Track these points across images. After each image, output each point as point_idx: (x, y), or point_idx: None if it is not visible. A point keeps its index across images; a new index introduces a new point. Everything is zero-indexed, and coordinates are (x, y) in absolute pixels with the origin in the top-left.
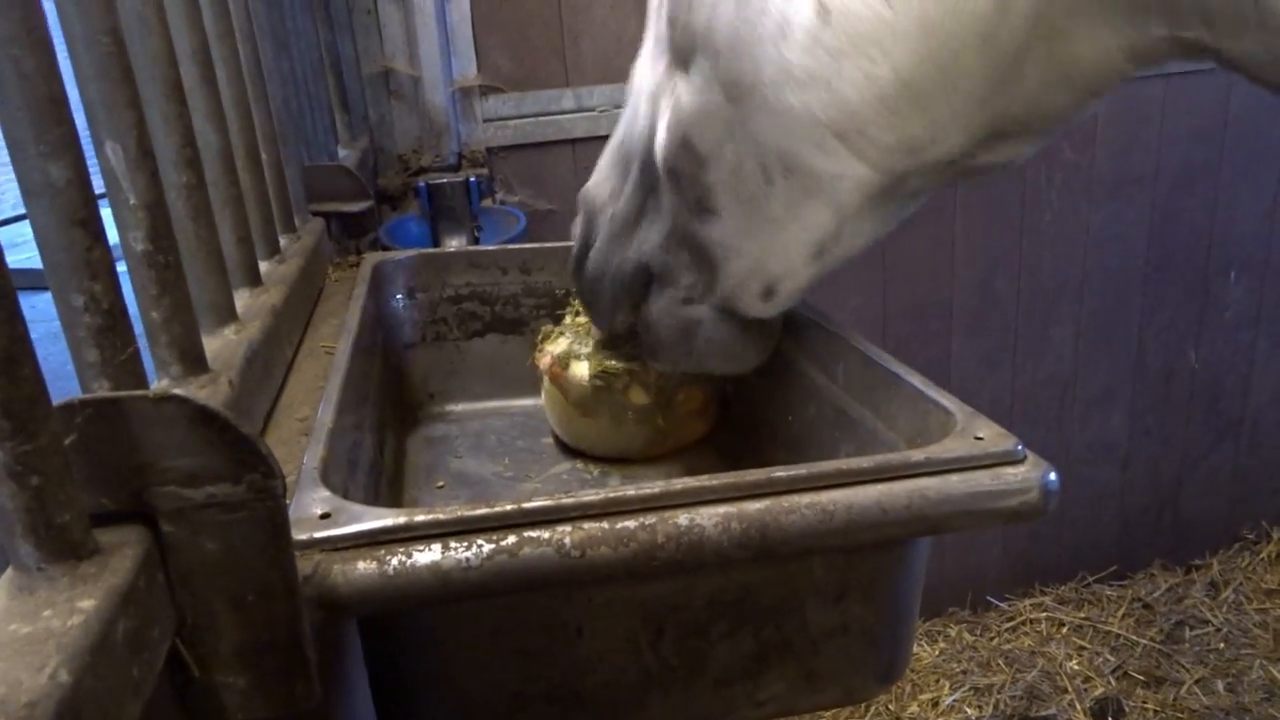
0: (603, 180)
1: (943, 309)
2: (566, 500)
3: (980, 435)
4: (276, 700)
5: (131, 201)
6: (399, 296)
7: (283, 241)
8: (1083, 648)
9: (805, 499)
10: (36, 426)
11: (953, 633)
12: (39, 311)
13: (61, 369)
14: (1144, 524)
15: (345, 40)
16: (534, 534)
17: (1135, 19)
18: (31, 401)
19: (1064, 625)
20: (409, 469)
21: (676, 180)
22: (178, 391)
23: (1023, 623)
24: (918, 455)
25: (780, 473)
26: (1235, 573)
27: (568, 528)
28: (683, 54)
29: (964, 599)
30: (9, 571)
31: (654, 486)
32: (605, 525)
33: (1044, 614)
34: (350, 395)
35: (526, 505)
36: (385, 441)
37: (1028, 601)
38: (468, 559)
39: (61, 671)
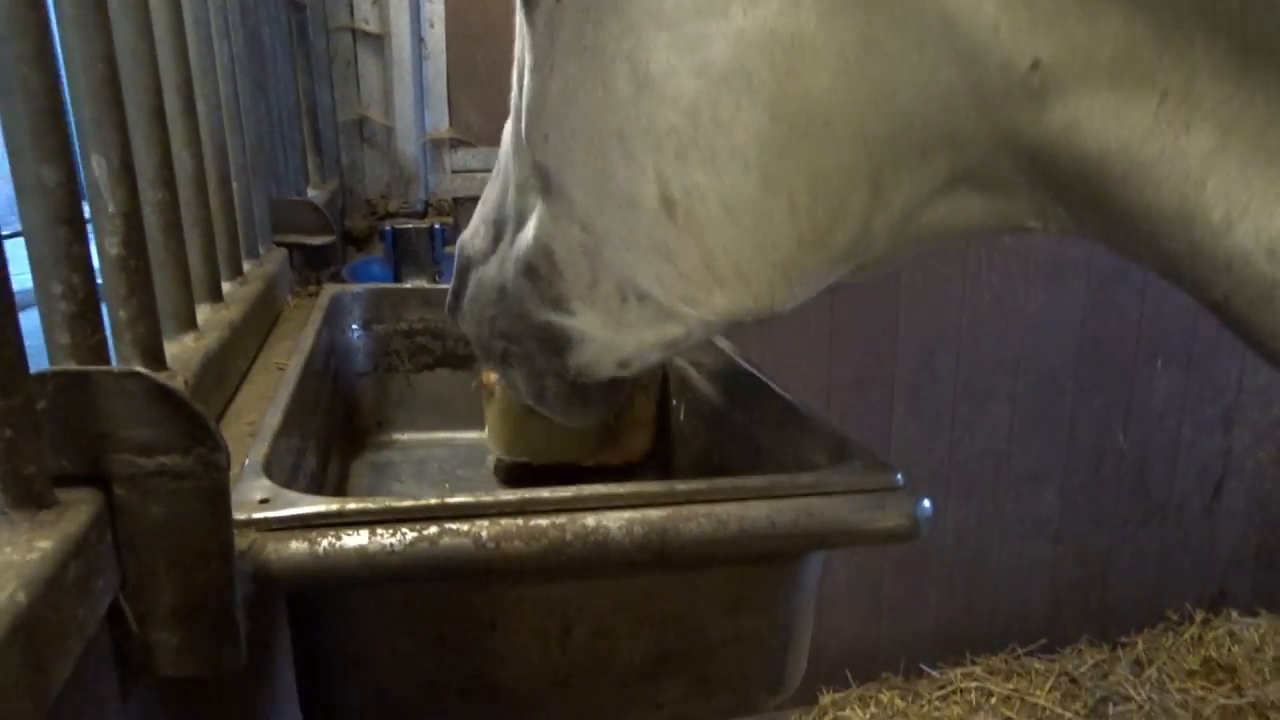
0: (475, 236)
1: (885, 381)
2: (486, 498)
3: (865, 465)
4: (204, 660)
5: (110, 210)
6: (354, 327)
7: (246, 266)
8: (1009, 719)
9: (703, 509)
10: (14, 388)
11: (885, 698)
12: None
13: None
14: (1073, 600)
15: (324, 88)
16: (454, 526)
17: (992, 206)
18: (11, 365)
19: (993, 696)
20: (351, 490)
21: (534, 276)
22: (139, 369)
23: (953, 691)
24: (806, 478)
25: (681, 486)
26: (1159, 652)
27: (485, 522)
28: (540, 181)
29: (897, 665)
30: None
31: (566, 490)
32: (520, 522)
33: (974, 684)
34: (297, 408)
35: (449, 500)
36: (330, 461)
37: (959, 670)
38: (391, 545)
39: (19, 593)
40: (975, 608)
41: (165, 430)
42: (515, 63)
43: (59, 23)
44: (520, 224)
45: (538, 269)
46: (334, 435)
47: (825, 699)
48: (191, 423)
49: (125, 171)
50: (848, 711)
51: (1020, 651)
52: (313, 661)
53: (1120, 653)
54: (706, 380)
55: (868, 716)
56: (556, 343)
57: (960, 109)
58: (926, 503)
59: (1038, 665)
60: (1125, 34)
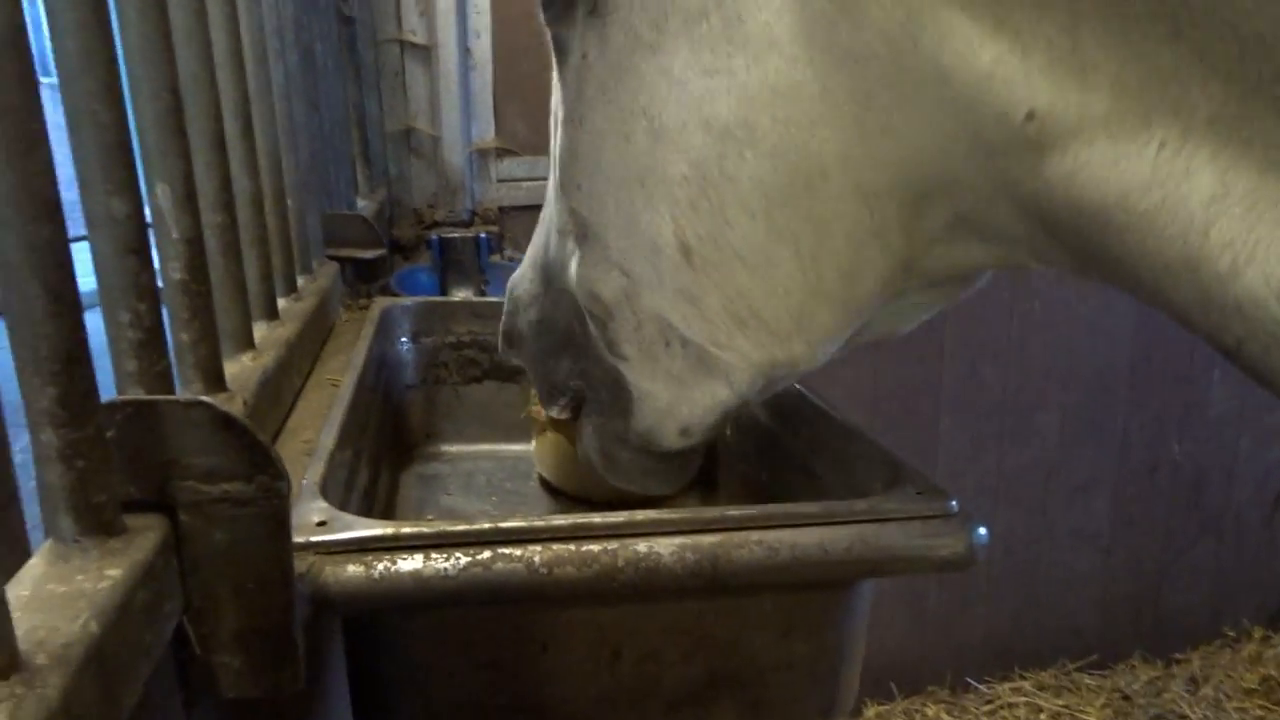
0: (525, 279)
1: (931, 390)
2: (538, 523)
3: (920, 490)
4: (265, 682)
5: (174, 236)
6: (403, 340)
7: (300, 281)
8: None
9: (755, 536)
10: (86, 418)
11: (930, 712)
12: None
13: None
14: (1125, 614)
15: (372, 99)
16: (507, 551)
17: (991, 248)
18: (84, 396)
19: (1042, 712)
20: (401, 502)
21: (592, 319)
22: (205, 399)
23: (1001, 706)
24: (860, 504)
25: (733, 511)
26: (1215, 670)
27: (538, 547)
28: (577, 228)
29: (943, 678)
30: (48, 542)
31: (618, 516)
32: (572, 547)
33: (1023, 699)
34: (351, 426)
35: (502, 525)
36: (380, 475)
37: (1007, 685)
38: (446, 569)
39: (92, 623)
40: (1024, 621)
41: (229, 458)
42: (552, 114)
43: (125, 55)
44: (565, 269)
45: (592, 311)
46: (384, 448)
47: (870, 711)
48: (254, 451)
49: (189, 199)
50: None
51: (1070, 667)
52: (367, 681)
53: (1175, 669)
54: None
55: None
56: (621, 396)
57: (957, 159)
58: (982, 530)
59: (1089, 681)
60: (1119, 85)
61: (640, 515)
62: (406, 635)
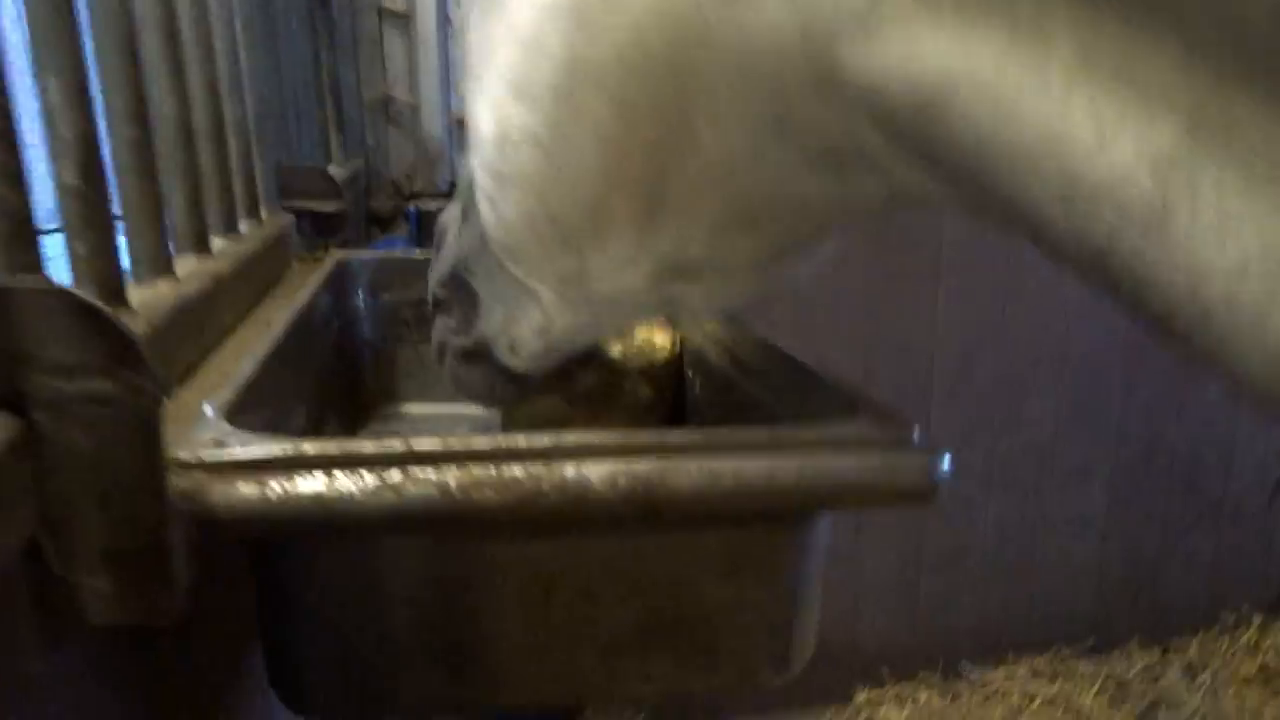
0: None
1: (923, 372)
2: (455, 443)
3: (877, 417)
4: (136, 608)
5: (64, 135)
6: (361, 294)
7: (244, 226)
8: None
9: (695, 462)
10: None
11: (922, 698)
12: None
13: None
14: (1122, 600)
15: (347, 65)
16: (420, 473)
17: (828, 169)
18: None
19: (1036, 698)
20: None
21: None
22: (65, 286)
23: (994, 692)
24: (812, 431)
25: (673, 436)
26: (1213, 657)
27: (454, 469)
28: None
29: (936, 664)
30: None
31: (545, 438)
32: (492, 470)
33: (1016, 684)
34: (282, 363)
35: (415, 445)
36: (327, 427)
37: (1001, 671)
38: (351, 492)
39: None
40: (1018, 607)
41: (89, 352)
42: None
43: None
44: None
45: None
46: (334, 400)
47: (860, 697)
48: (117, 344)
49: (80, 93)
50: (884, 710)
51: (1066, 652)
52: (277, 617)
53: (1172, 656)
54: (721, 353)
55: (904, 716)
56: (470, 302)
57: (786, 51)
58: (946, 459)
59: (1084, 668)
60: None
61: (570, 438)
62: (315, 566)
